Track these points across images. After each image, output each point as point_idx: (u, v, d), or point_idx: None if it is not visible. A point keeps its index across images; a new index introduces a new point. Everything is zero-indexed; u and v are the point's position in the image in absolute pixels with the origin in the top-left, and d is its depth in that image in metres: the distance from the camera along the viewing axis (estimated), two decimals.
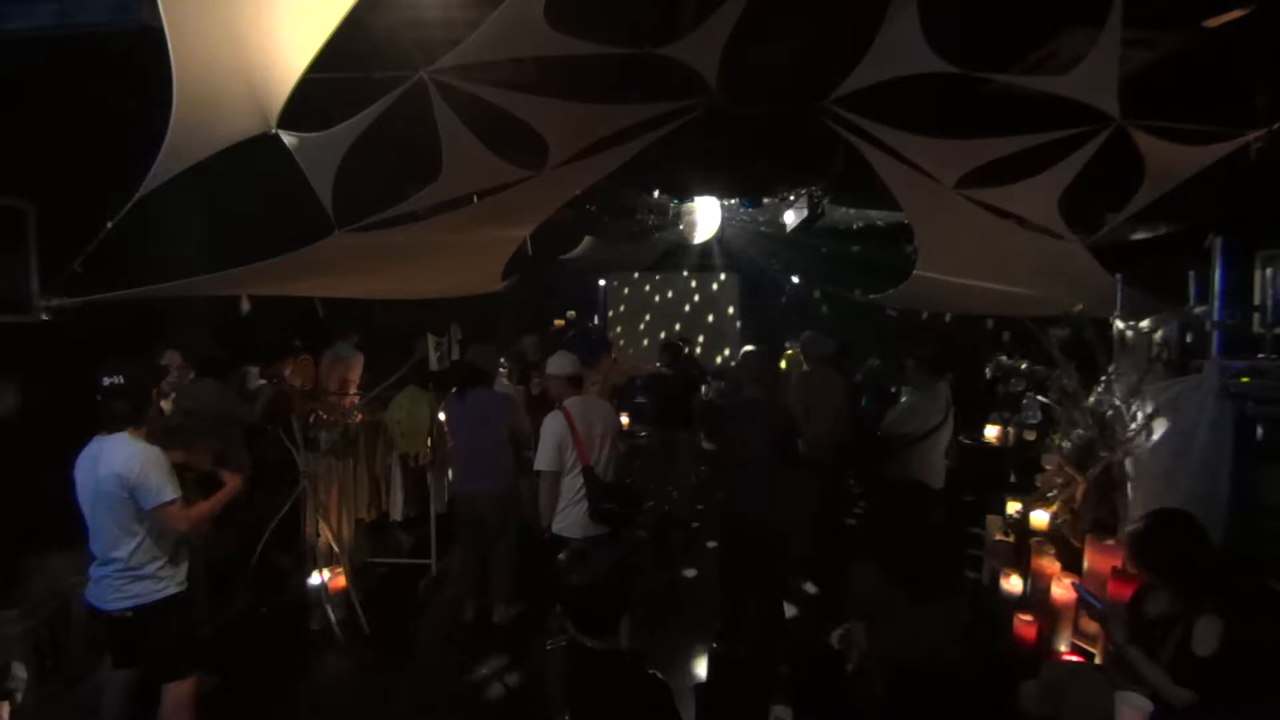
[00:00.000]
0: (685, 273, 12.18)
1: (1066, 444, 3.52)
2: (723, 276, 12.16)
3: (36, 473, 2.73)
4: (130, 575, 2.58)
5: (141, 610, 2.59)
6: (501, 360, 5.66)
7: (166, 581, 2.64)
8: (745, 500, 3.62)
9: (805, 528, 4.54)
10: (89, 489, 2.57)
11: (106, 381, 2.54)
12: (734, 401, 3.85)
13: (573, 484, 3.45)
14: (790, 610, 4.08)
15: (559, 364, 3.66)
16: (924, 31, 2.98)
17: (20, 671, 2.18)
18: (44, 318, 3.20)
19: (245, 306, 3.89)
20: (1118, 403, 3.33)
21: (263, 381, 3.97)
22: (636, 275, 12.17)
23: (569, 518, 3.47)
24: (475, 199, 4.48)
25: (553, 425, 3.46)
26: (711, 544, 5.63)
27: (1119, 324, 3.50)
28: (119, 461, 2.51)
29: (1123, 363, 3.45)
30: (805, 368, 5.18)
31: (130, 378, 2.58)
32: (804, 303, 11.18)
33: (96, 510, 2.57)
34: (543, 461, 3.43)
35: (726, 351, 11.85)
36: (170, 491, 2.55)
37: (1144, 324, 3.39)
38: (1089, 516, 3.42)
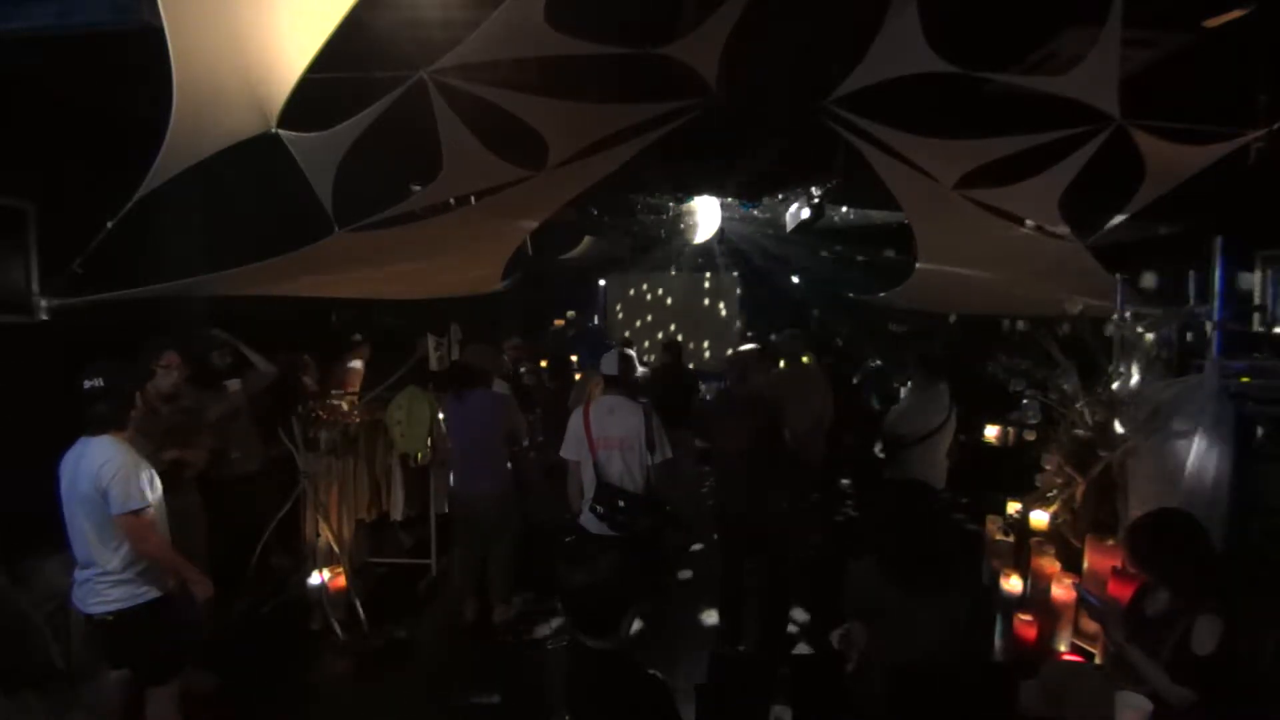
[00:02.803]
0: (685, 272, 12.17)
1: (1067, 438, 3.52)
2: (723, 276, 12.15)
3: (36, 473, 2.72)
4: (110, 580, 2.55)
5: (121, 615, 2.57)
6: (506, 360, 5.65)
7: (147, 587, 2.60)
8: (730, 495, 3.71)
9: (792, 523, 4.55)
10: (68, 492, 2.56)
11: (87, 384, 2.52)
12: (719, 398, 3.97)
13: (590, 479, 3.51)
14: (791, 610, 4.08)
15: (603, 363, 3.76)
16: (924, 31, 2.99)
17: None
18: (44, 318, 3.20)
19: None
20: (1119, 404, 3.33)
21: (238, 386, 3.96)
22: (636, 275, 12.16)
23: (585, 511, 3.52)
24: (474, 199, 4.48)
25: (573, 420, 3.64)
26: (701, 545, 5.63)
27: (1119, 324, 3.50)
28: (95, 464, 2.49)
29: (1123, 363, 3.45)
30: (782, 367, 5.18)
31: (110, 380, 2.55)
32: (806, 303, 11.20)
33: (74, 512, 2.56)
34: (563, 450, 3.62)
35: (727, 351, 11.86)
36: (136, 501, 2.50)
37: (1151, 321, 3.38)
38: (1089, 516, 3.42)
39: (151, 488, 2.60)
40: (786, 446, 3.76)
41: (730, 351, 3.99)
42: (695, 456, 6.00)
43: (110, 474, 2.48)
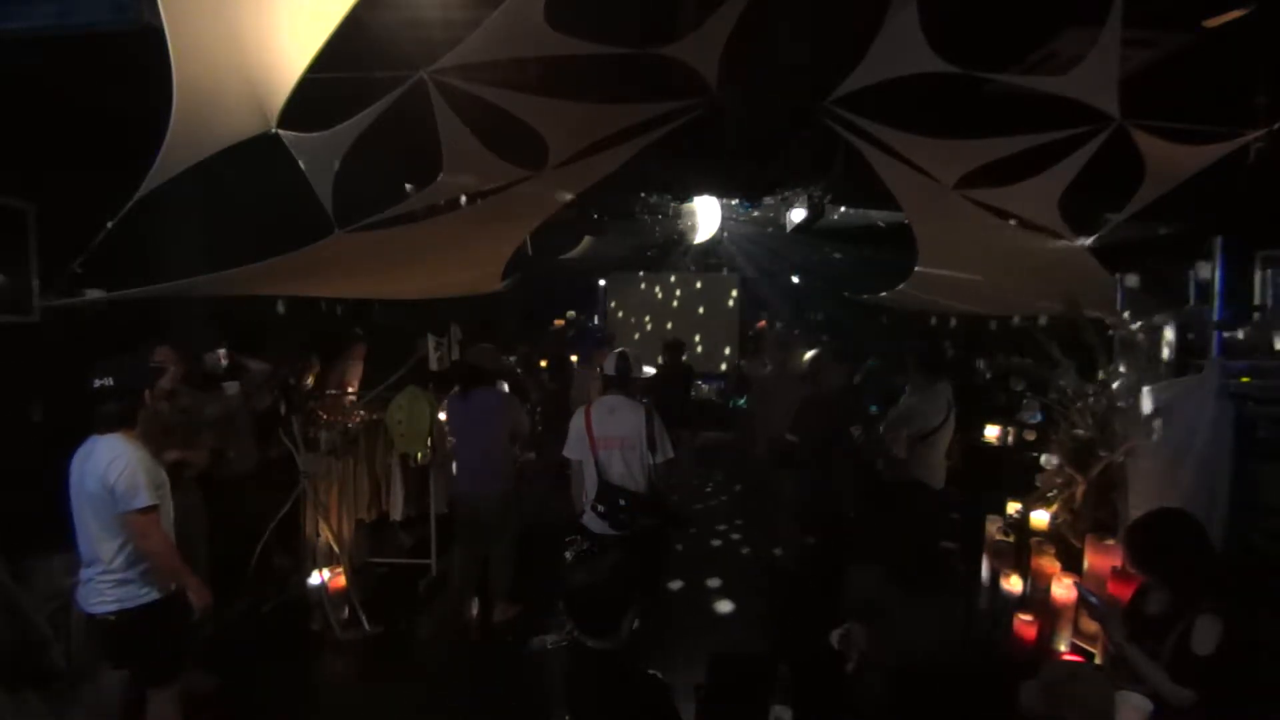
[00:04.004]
0: (685, 273, 12.18)
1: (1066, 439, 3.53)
2: (723, 276, 12.16)
3: (37, 472, 2.72)
4: (113, 579, 2.55)
5: (124, 614, 2.57)
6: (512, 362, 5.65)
7: (150, 587, 2.60)
8: (817, 496, 3.78)
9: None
10: (76, 488, 2.56)
11: (96, 383, 2.52)
12: (806, 396, 4.26)
13: (592, 479, 3.50)
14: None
15: (606, 363, 3.78)
16: (924, 31, 2.98)
17: None
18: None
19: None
20: (1119, 404, 3.32)
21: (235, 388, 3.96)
22: (636, 275, 12.16)
23: (586, 511, 3.52)
24: (475, 200, 4.48)
25: (574, 420, 3.63)
26: (713, 541, 5.63)
27: (1127, 327, 3.49)
28: (103, 462, 2.49)
29: (1123, 363, 3.45)
30: (769, 369, 5.24)
31: (120, 379, 2.56)
32: (806, 303, 11.19)
33: (81, 510, 2.56)
34: (565, 449, 3.62)
35: (726, 352, 11.86)
36: (144, 498, 2.50)
37: (1151, 321, 3.38)
38: (1089, 516, 3.42)
39: (160, 488, 2.60)
40: (853, 444, 3.89)
41: (809, 351, 4.23)
42: (695, 456, 6.01)
43: (118, 471, 2.48)
